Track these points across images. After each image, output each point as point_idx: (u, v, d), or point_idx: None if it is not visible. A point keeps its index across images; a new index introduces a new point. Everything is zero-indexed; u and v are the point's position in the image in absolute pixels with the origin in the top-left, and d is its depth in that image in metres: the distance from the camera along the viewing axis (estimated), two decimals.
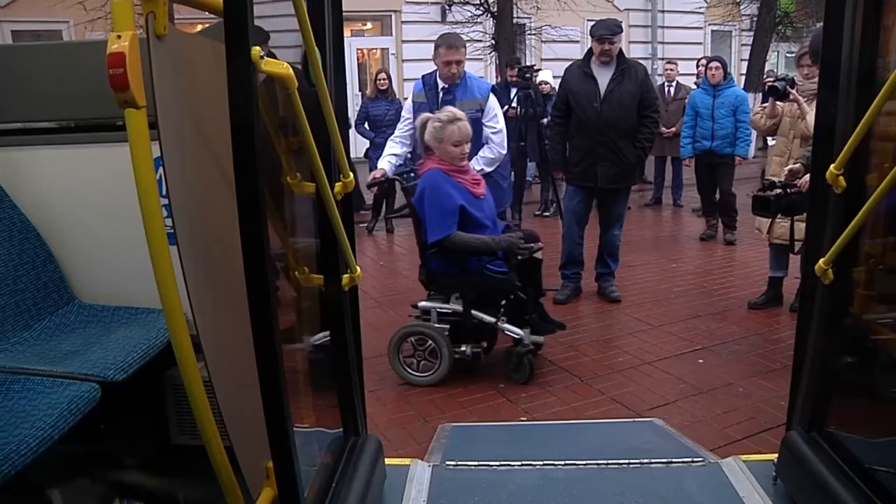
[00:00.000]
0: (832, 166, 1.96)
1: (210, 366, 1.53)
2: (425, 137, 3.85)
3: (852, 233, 1.91)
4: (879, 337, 2.03)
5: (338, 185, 2.01)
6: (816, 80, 4.31)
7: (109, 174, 2.21)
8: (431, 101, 4.51)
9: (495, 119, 4.52)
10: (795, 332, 2.28)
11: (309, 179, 1.91)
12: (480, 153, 4.47)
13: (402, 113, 4.80)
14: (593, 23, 5.20)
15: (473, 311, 3.86)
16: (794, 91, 4.41)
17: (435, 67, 4.64)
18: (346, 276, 2.09)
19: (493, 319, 3.85)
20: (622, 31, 5.07)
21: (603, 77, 4.96)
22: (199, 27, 2.34)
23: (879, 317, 2.06)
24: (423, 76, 4.68)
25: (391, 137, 4.71)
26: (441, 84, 4.54)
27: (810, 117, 4.29)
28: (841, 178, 1.96)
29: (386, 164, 4.52)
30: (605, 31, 4.94)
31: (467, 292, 3.87)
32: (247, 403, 1.58)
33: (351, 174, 2.04)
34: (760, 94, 10.14)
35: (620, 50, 5.02)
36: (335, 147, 1.97)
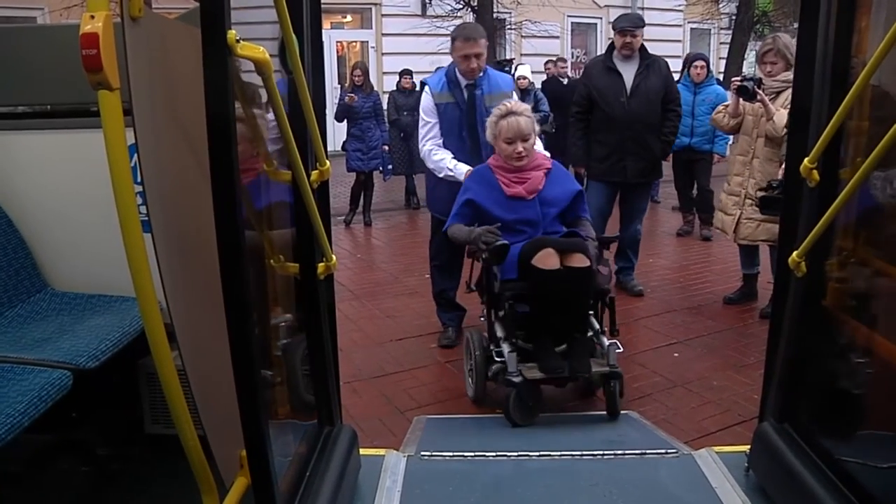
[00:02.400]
0: (806, 160, 1.99)
1: (184, 354, 1.52)
2: (487, 135, 3.56)
3: (825, 226, 1.94)
4: (851, 329, 2.06)
5: (314, 174, 2.01)
6: (779, 77, 4.39)
7: (84, 161, 2.19)
8: (459, 99, 4.00)
9: None
10: (769, 324, 2.30)
11: (285, 167, 1.90)
12: None
13: (423, 116, 4.12)
14: (617, 16, 5.17)
15: (496, 323, 3.38)
16: (761, 92, 4.38)
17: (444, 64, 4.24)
18: (321, 265, 2.08)
19: (501, 334, 3.28)
20: (644, 24, 5.04)
21: (627, 71, 4.93)
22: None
23: (851, 309, 2.08)
24: (445, 73, 4.10)
25: (430, 150, 4.03)
26: (463, 80, 4.03)
27: (777, 117, 4.28)
28: (814, 171, 1.99)
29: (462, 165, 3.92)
30: (628, 24, 4.91)
31: (482, 295, 3.52)
32: (221, 392, 1.57)
33: (328, 162, 2.04)
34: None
35: (643, 44, 5.00)
36: (312, 135, 1.96)
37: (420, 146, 4.13)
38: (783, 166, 3.96)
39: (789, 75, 4.40)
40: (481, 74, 4.04)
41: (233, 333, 1.48)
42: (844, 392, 2.06)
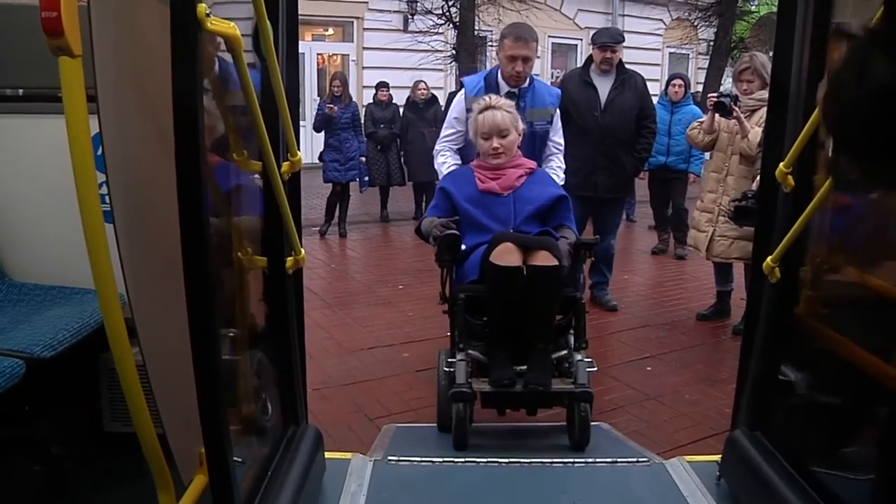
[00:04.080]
0: (781, 164, 1.98)
1: (144, 350, 1.47)
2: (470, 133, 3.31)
3: (798, 231, 1.93)
4: (824, 337, 2.04)
5: (285, 165, 1.97)
6: (755, 96, 4.42)
7: (47, 148, 2.12)
8: None
9: (560, 134, 3.77)
10: (742, 330, 2.29)
11: (256, 157, 1.86)
12: (552, 166, 3.71)
13: (449, 117, 3.76)
14: (595, 31, 5.18)
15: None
16: (737, 109, 4.40)
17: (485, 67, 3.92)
18: (290, 259, 2.03)
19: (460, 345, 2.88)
20: (623, 40, 5.06)
21: (603, 86, 4.92)
22: None
23: (823, 316, 2.07)
24: (485, 76, 3.79)
25: (439, 150, 3.69)
26: (505, 87, 3.68)
27: (752, 134, 4.31)
28: (790, 176, 1.98)
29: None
30: (608, 39, 4.93)
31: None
32: (181, 389, 1.51)
33: (299, 153, 2.00)
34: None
35: (620, 59, 5.00)
36: (284, 125, 1.92)
37: (436, 146, 3.74)
38: (756, 180, 3.97)
39: (764, 94, 4.44)
40: (526, 84, 3.69)
41: (194, 329, 1.42)
42: (816, 400, 2.04)
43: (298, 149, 2.02)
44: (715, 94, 4.55)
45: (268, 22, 1.70)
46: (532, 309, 2.79)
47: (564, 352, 2.92)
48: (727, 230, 4.49)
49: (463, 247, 2.96)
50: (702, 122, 4.80)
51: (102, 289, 1.30)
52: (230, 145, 1.83)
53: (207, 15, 1.31)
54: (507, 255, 2.75)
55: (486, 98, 3.25)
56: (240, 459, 1.67)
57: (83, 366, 2.22)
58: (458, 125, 3.61)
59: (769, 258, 2.04)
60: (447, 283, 3.06)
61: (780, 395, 2.13)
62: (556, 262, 2.77)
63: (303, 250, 2.06)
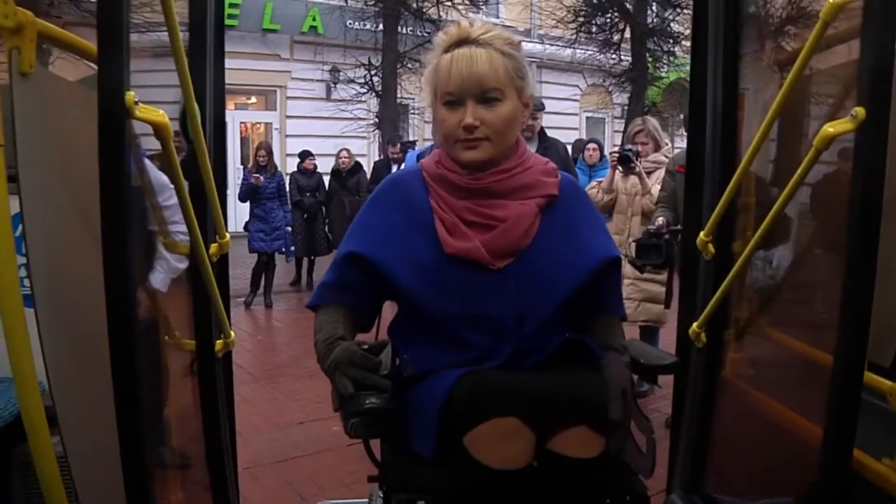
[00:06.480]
0: (701, 233, 2.06)
1: (66, 439, 1.40)
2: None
3: (721, 297, 2.00)
4: (750, 398, 2.10)
5: (213, 246, 1.94)
6: (650, 157, 4.53)
7: None
8: None
9: None
10: (672, 394, 2.33)
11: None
12: None
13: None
14: None
15: None
16: (638, 164, 4.46)
17: None
18: (219, 342, 1.98)
19: None
20: (544, 108, 5.16)
21: None
22: None
23: (749, 378, 2.14)
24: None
25: None
26: None
27: (655, 189, 4.37)
28: (710, 245, 2.06)
29: None
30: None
31: None
32: (106, 480, 1.44)
33: (227, 235, 1.97)
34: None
35: (542, 127, 5.09)
36: (211, 206, 1.90)
37: None
38: (659, 219, 3.99)
39: (659, 156, 4.61)
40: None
41: (121, 417, 1.35)
42: (749, 461, 2.08)
43: (226, 227, 2.00)
44: (617, 150, 4.66)
45: (196, 104, 1.69)
46: None
47: None
48: (633, 293, 4.52)
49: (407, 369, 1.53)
50: (600, 182, 4.85)
51: (21, 377, 1.25)
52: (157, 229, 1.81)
53: (136, 103, 1.29)
54: (505, 445, 1.36)
55: (463, 22, 1.56)
56: None
57: None
58: None
59: (695, 324, 2.10)
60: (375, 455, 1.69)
61: (713, 458, 2.16)
62: (599, 450, 1.40)
63: (232, 332, 2.01)
